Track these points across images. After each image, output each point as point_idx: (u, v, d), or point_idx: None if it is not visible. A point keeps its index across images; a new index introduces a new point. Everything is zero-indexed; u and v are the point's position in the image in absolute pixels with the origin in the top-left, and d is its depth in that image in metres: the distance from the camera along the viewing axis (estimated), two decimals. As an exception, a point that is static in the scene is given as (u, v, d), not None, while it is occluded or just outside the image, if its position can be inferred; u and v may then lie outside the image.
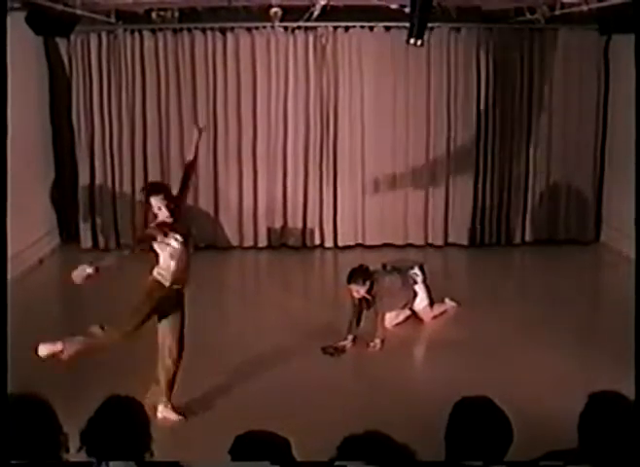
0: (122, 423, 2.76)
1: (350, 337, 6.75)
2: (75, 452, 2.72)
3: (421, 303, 7.34)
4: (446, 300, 7.67)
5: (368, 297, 6.80)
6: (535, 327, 7.01)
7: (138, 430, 2.78)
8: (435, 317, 7.41)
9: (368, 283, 6.75)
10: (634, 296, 6.01)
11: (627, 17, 8.01)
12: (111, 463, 2.61)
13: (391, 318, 7.18)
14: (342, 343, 6.68)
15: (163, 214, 5.02)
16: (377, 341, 6.71)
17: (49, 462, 2.58)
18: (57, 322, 7.61)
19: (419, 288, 7.33)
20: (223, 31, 9.89)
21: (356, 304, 6.86)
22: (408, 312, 7.37)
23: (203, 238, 10.25)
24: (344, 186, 10.27)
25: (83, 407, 2.87)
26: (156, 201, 5.02)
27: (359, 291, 6.74)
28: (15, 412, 2.62)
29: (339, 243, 10.34)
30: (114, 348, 6.38)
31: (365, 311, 6.90)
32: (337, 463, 2.42)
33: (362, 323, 6.85)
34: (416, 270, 7.33)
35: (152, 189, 5.23)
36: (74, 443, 2.73)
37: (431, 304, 7.40)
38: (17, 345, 5.18)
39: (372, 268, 6.98)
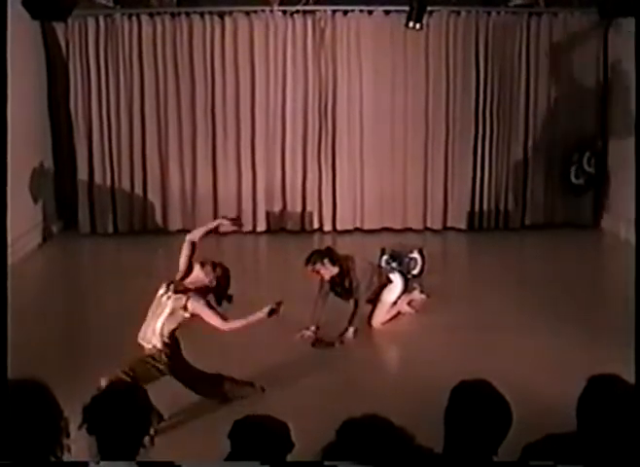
0: (124, 405, 2.77)
1: (313, 327, 6.31)
2: (76, 431, 2.72)
3: (389, 294, 6.70)
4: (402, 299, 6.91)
5: (337, 280, 6.32)
6: (533, 311, 7.00)
7: (139, 413, 2.79)
8: (384, 324, 6.74)
9: (328, 262, 6.20)
10: (634, 283, 6.02)
11: (627, 0, 7.99)
12: (105, 463, 2.62)
13: (380, 316, 6.70)
14: (307, 333, 6.26)
15: None
16: (351, 329, 6.31)
17: (41, 463, 2.58)
18: (56, 306, 7.62)
19: (395, 279, 6.73)
20: (221, 15, 9.83)
21: (323, 286, 6.38)
22: (395, 310, 6.86)
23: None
24: (343, 170, 10.25)
25: (84, 392, 2.88)
26: None
27: (320, 271, 6.23)
28: (15, 398, 2.62)
29: (338, 227, 10.34)
30: (110, 335, 6.41)
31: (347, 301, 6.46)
32: (326, 463, 2.42)
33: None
34: (416, 255, 7.27)
35: None
36: (75, 425, 2.74)
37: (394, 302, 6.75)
38: (16, 331, 5.17)
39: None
